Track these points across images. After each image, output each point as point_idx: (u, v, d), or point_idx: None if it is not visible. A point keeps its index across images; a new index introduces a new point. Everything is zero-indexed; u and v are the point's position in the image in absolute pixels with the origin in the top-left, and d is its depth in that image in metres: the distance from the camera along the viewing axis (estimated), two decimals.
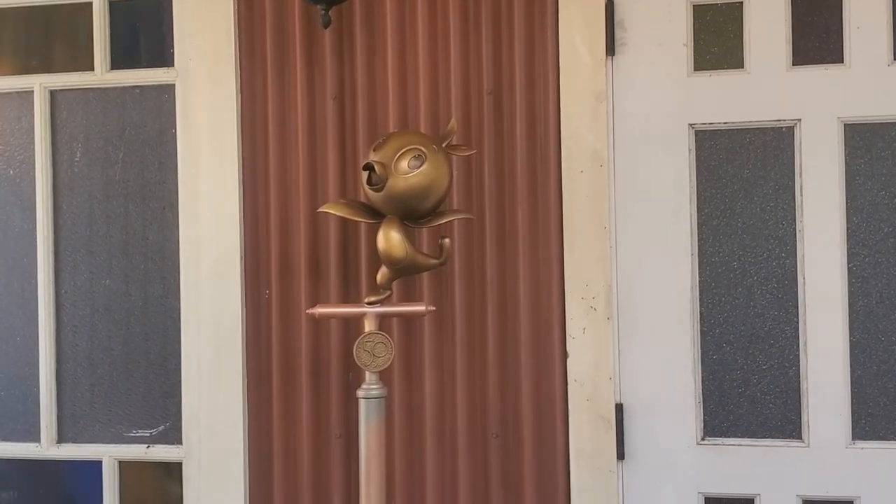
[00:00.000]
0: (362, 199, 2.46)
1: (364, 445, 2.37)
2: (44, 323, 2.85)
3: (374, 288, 2.44)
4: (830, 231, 2.48)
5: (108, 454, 2.84)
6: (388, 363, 2.36)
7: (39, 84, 2.85)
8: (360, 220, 2.39)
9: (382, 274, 2.38)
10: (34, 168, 2.86)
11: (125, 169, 2.83)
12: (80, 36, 2.85)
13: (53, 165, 2.86)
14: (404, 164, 2.27)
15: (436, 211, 2.38)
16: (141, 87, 2.83)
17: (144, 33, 2.84)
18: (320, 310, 2.43)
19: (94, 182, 2.85)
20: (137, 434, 2.83)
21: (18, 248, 2.87)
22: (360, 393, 2.38)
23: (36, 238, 2.85)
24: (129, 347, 2.84)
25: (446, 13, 2.62)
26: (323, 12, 2.46)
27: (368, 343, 2.35)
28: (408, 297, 2.62)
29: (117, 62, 2.84)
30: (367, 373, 2.38)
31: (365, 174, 2.28)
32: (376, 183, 2.27)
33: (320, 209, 2.43)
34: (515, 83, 2.59)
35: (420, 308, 2.42)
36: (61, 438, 2.87)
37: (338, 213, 2.41)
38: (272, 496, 2.70)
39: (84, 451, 2.85)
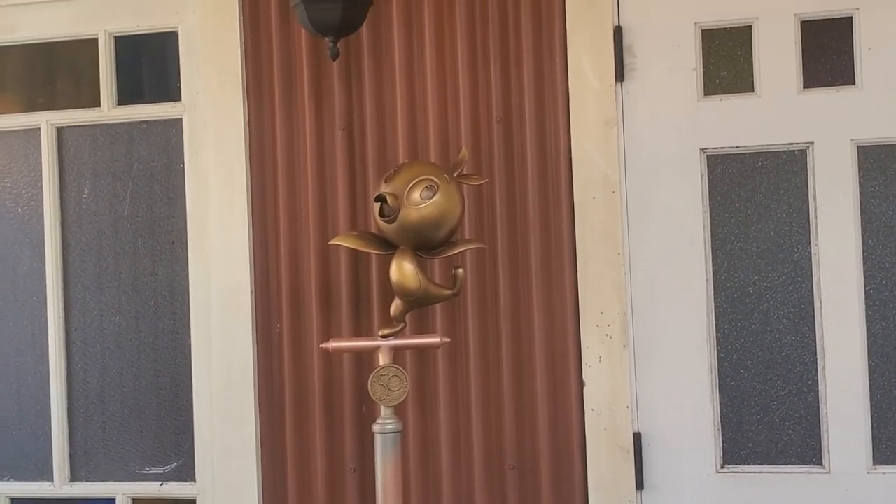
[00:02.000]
0: (373, 231, 2.45)
1: (381, 481, 2.35)
2: (54, 361, 2.83)
3: (386, 320, 2.43)
4: (846, 254, 2.45)
5: (122, 492, 2.81)
6: (404, 397, 2.34)
7: (46, 121, 2.84)
8: (372, 251, 2.38)
9: (396, 306, 2.36)
10: (42, 205, 2.85)
11: (133, 204, 2.82)
12: (86, 72, 2.84)
13: (61, 202, 2.85)
14: (416, 194, 2.26)
15: (448, 241, 2.36)
16: (148, 122, 2.82)
17: (151, 68, 2.84)
18: (334, 344, 2.41)
19: (103, 218, 2.83)
20: (150, 471, 2.81)
21: (28, 285, 2.86)
22: (375, 428, 2.35)
23: (45, 275, 2.84)
24: (141, 384, 2.81)
25: (454, 41, 2.61)
26: (331, 44, 2.45)
27: (383, 377, 2.33)
28: (420, 329, 2.59)
29: (124, 97, 2.83)
30: (382, 407, 2.36)
31: (377, 206, 2.27)
32: (388, 214, 2.25)
33: (332, 241, 2.42)
34: (525, 110, 2.58)
35: (434, 340, 2.40)
36: (74, 477, 2.85)
37: (349, 246, 2.39)
38: None
39: (97, 490, 2.83)
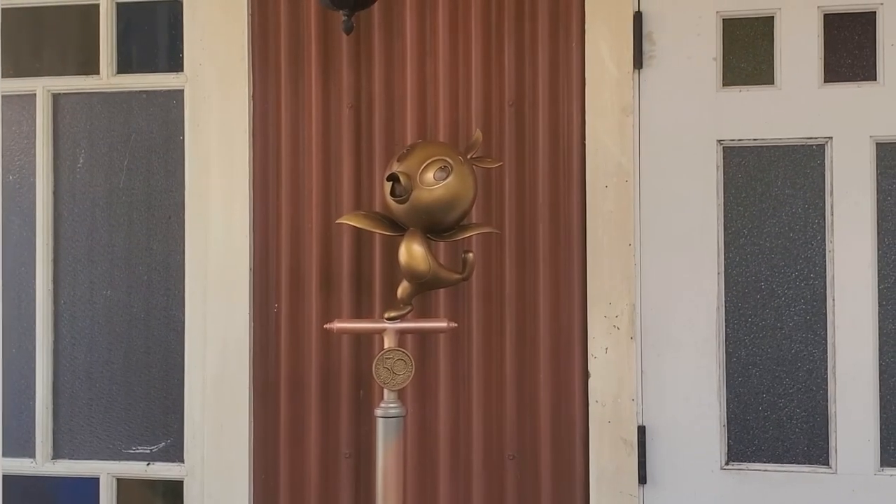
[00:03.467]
0: (380, 211, 2.39)
1: (381, 467, 2.28)
2: (41, 334, 2.76)
3: (387, 303, 2.38)
4: (861, 252, 2.42)
5: (106, 471, 2.74)
6: (408, 381, 2.28)
7: (42, 87, 2.76)
8: (380, 232, 2.31)
9: (403, 288, 2.30)
10: (34, 174, 2.77)
11: (130, 176, 2.74)
12: (86, 39, 2.76)
13: (55, 171, 2.77)
14: (430, 175, 2.20)
15: (459, 224, 2.30)
16: (148, 92, 2.74)
17: (153, 37, 2.76)
18: (339, 325, 2.34)
19: (97, 189, 2.76)
20: (137, 451, 2.74)
21: (16, 256, 2.78)
22: (378, 412, 2.29)
23: (35, 246, 2.76)
24: (130, 361, 2.74)
25: (468, 21, 2.56)
26: (346, 17, 2.37)
27: (388, 360, 2.27)
28: (423, 313, 2.54)
29: (124, 66, 2.76)
30: (385, 391, 2.30)
31: (389, 185, 2.20)
32: (400, 194, 2.19)
33: (339, 220, 2.35)
34: (539, 95, 2.53)
35: (442, 324, 2.34)
36: (57, 454, 2.77)
37: (357, 225, 2.33)
38: None
39: (81, 468, 2.76)
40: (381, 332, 2.31)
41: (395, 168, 2.22)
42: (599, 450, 2.49)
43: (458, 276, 2.31)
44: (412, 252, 2.23)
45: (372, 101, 2.60)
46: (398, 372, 2.28)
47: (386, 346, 2.29)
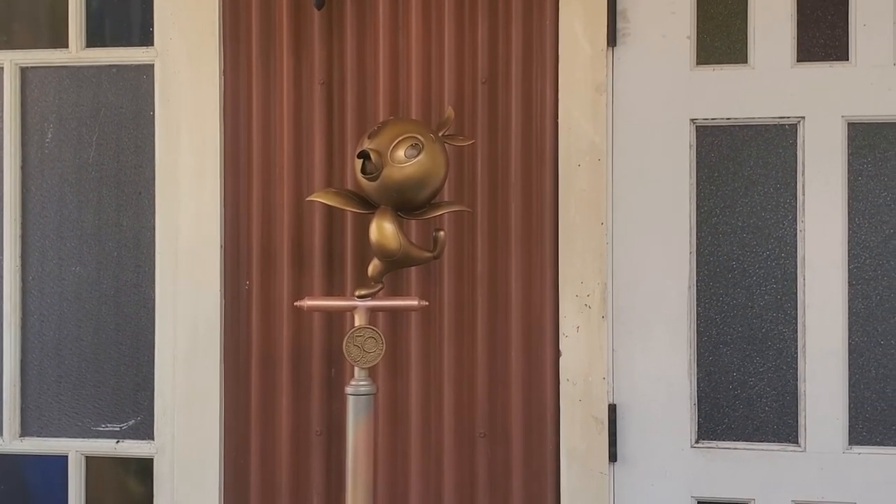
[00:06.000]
0: (351, 188, 2.38)
1: (352, 444, 2.28)
2: (9, 311, 2.74)
3: (359, 281, 2.38)
4: (832, 232, 2.44)
5: (75, 449, 2.73)
6: (379, 359, 2.28)
7: (10, 60, 2.73)
8: (351, 209, 2.30)
9: (374, 266, 2.29)
10: (2, 148, 2.74)
11: (99, 151, 2.72)
12: (55, 11, 2.73)
13: (23, 146, 2.74)
14: (401, 153, 2.18)
15: (430, 202, 2.29)
16: (118, 67, 2.71)
17: (123, 10, 2.72)
18: (309, 302, 2.33)
19: (66, 164, 2.73)
20: (106, 428, 2.72)
21: None
22: (348, 390, 2.28)
23: (2, 221, 2.74)
24: (100, 338, 2.72)
25: None
26: None
27: (359, 338, 2.27)
28: (395, 291, 2.54)
29: (93, 40, 2.72)
30: (355, 369, 2.29)
31: (359, 162, 2.19)
32: (371, 172, 2.18)
33: (310, 198, 2.33)
34: (512, 72, 2.52)
35: (412, 302, 2.33)
36: (25, 432, 2.76)
37: (328, 202, 2.31)
38: (248, 495, 2.61)
39: (49, 446, 2.74)
40: (352, 309, 2.30)
41: (366, 145, 2.21)
42: (570, 428, 2.49)
43: (429, 255, 2.30)
44: (383, 230, 2.22)
45: (344, 77, 2.58)
46: (369, 350, 2.27)
47: (357, 323, 2.29)
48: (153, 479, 2.67)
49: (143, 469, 2.71)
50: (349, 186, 2.48)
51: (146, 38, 2.70)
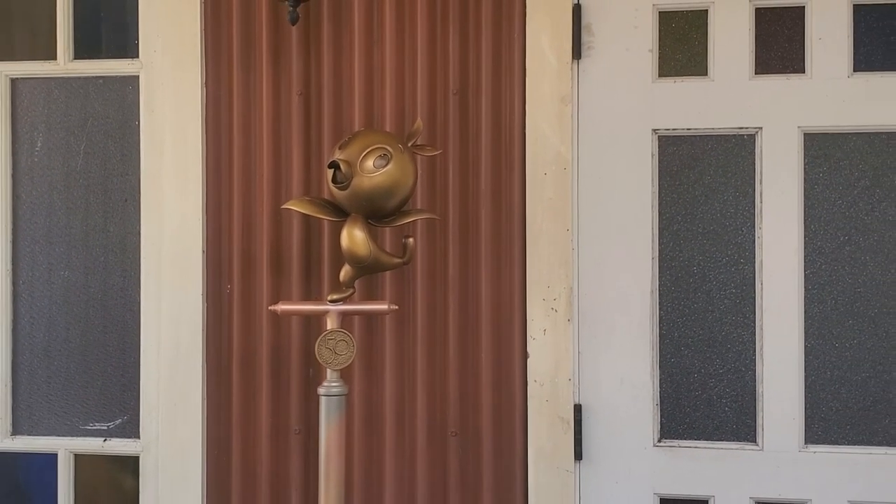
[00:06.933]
0: (327, 197, 2.47)
1: (324, 443, 2.37)
2: (0, 313, 2.82)
3: (336, 286, 2.44)
4: (788, 238, 2.51)
5: (64, 447, 2.81)
6: (350, 361, 2.36)
7: (0, 72, 2.81)
8: (324, 217, 2.38)
9: (345, 272, 2.38)
10: None
11: (87, 160, 2.81)
12: (44, 24, 2.82)
13: (13, 154, 2.83)
14: (370, 163, 2.27)
15: (400, 210, 2.38)
16: (104, 78, 2.80)
17: (109, 23, 2.81)
18: (283, 306, 2.42)
19: (55, 172, 2.82)
20: (94, 427, 2.81)
21: None
22: (321, 391, 2.37)
23: None
24: (88, 340, 2.81)
25: (414, 12, 2.62)
26: (291, 8, 2.46)
27: (330, 341, 2.35)
28: (370, 296, 2.62)
29: (81, 52, 2.81)
30: (328, 370, 2.38)
31: (330, 172, 2.28)
32: (341, 181, 2.27)
33: (285, 206, 2.42)
34: (482, 84, 2.60)
35: (382, 307, 2.41)
36: (16, 430, 2.84)
37: (302, 210, 2.39)
38: (230, 491, 2.70)
39: (39, 444, 2.83)
40: (325, 313, 2.39)
41: (337, 156, 2.29)
42: (538, 427, 2.57)
43: (398, 261, 2.39)
44: (353, 237, 2.31)
45: (321, 88, 2.66)
46: (340, 352, 2.36)
47: (329, 327, 2.37)
48: (139, 476, 2.76)
49: (129, 466, 2.79)
50: (326, 195, 2.56)
51: (131, 51, 2.78)
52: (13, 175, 2.83)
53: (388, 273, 2.60)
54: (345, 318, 2.45)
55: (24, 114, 2.83)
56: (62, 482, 2.82)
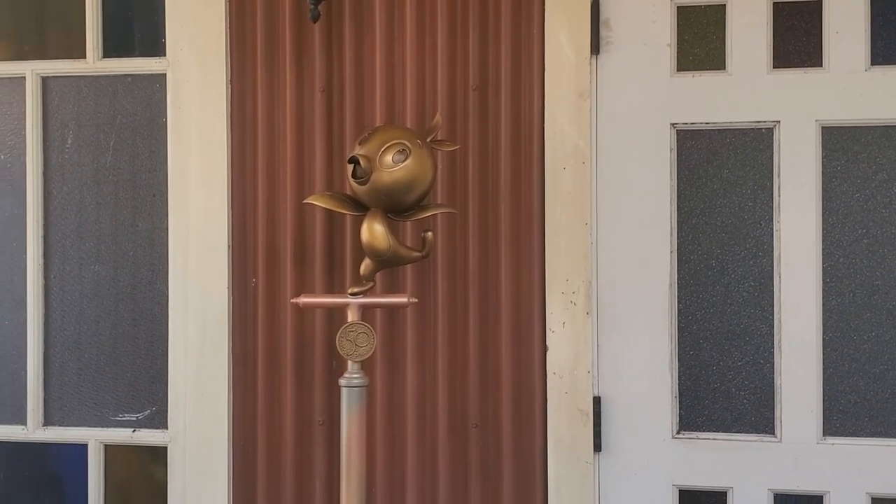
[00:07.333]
0: (348, 192, 2.50)
1: (345, 433, 2.41)
2: (32, 307, 2.88)
3: (358, 279, 2.48)
4: (806, 231, 2.52)
5: (94, 437, 2.87)
6: (370, 353, 2.40)
7: (31, 70, 2.88)
8: (344, 212, 2.43)
9: (366, 265, 2.42)
10: (24, 153, 2.89)
11: (116, 156, 2.86)
12: (73, 23, 2.88)
13: (44, 151, 2.89)
14: (389, 158, 2.31)
15: (419, 205, 2.41)
16: (132, 76, 2.85)
17: (137, 22, 2.86)
18: (304, 299, 2.47)
19: (85, 168, 2.88)
20: (124, 418, 2.87)
21: (8, 232, 2.90)
22: (342, 382, 2.41)
23: (26, 222, 2.89)
24: (117, 332, 2.87)
25: (434, 9, 2.65)
26: (312, 6, 2.50)
27: (351, 333, 2.39)
28: (391, 289, 2.66)
29: (109, 50, 2.87)
30: (349, 362, 2.42)
31: (350, 167, 2.32)
32: (361, 176, 2.30)
33: (306, 200, 2.46)
34: (501, 80, 2.63)
35: (402, 300, 2.45)
36: (48, 421, 2.90)
37: (323, 205, 2.44)
38: (255, 481, 2.75)
39: (70, 434, 2.89)
40: (345, 306, 2.43)
41: (357, 151, 2.33)
42: (557, 419, 2.60)
43: (417, 254, 2.42)
44: (373, 231, 2.35)
45: (343, 85, 2.70)
46: (361, 344, 2.40)
47: (349, 319, 2.41)
48: (167, 466, 2.81)
49: (157, 456, 2.85)
50: (347, 190, 2.59)
51: (159, 49, 2.84)
52: (45, 171, 2.89)
53: (408, 267, 2.63)
54: (366, 310, 2.49)
55: (54, 111, 2.89)
56: (92, 472, 2.87)
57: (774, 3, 2.55)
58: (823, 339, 2.53)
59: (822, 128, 2.52)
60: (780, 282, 2.54)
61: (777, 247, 2.54)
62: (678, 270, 2.60)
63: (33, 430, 2.89)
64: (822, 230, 2.53)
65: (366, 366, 2.46)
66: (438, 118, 2.46)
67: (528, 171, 2.62)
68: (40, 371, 2.89)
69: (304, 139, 2.72)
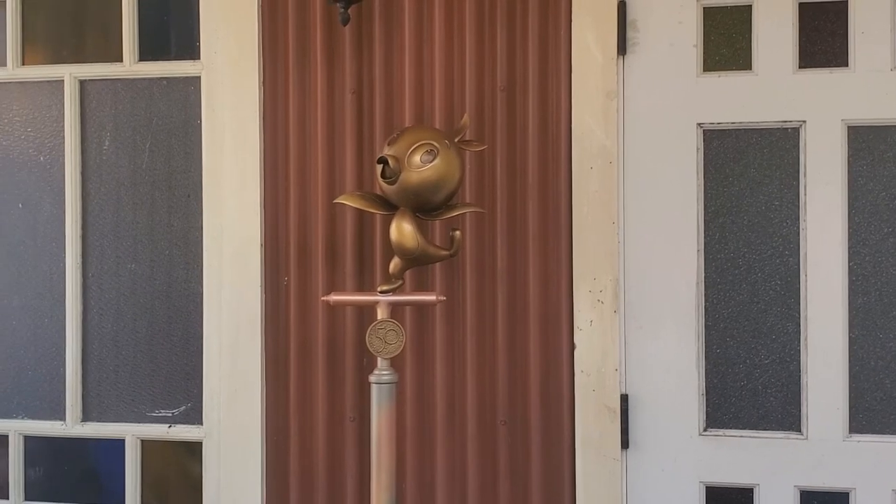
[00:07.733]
0: (377, 192, 2.54)
1: (375, 429, 2.44)
2: (71, 305, 2.95)
3: (387, 277, 2.51)
4: (832, 230, 2.54)
5: (131, 433, 2.93)
6: (400, 350, 2.44)
7: (70, 74, 2.94)
8: (374, 211, 2.47)
9: (395, 264, 2.46)
10: (63, 155, 2.95)
11: (152, 157, 2.92)
12: (110, 27, 2.94)
13: (82, 153, 2.96)
14: (417, 158, 2.34)
15: (447, 204, 2.45)
16: (168, 79, 2.91)
17: (172, 26, 2.92)
18: (335, 297, 2.51)
19: (122, 169, 2.94)
20: (160, 414, 2.92)
21: (47, 231, 2.97)
22: (371, 378, 2.45)
23: (64, 222, 2.95)
24: (153, 330, 2.93)
25: (462, 11, 2.69)
26: (342, 10, 2.54)
27: (380, 330, 2.43)
28: (420, 287, 2.70)
29: (145, 54, 2.92)
30: (378, 359, 2.46)
31: (379, 167, 2.36)
32: (390, 176, 2.34)
33: (336, 200, 2.50)
34: (528, 80, 2.66)
35: (431, 297, 2.49)
36: (86, 417, 2.97)
37: (353, 205, 2.48)
38: (288, 476, 2.79)
39: (108, 430, 2.95)
40: (375, 304, 2.47)
41: (386, 151, 2.37)
42: (585, 416, 2.63)
43: (445, 253, 2.46)
44: (402, 230, 2.39)
45: (373, 87, 2.74)
46: (390, 341, 2.43)
47: (379, 317, 2.45)
48: (202, 461, 2.86)
49: (192, 451, 2.90)
50: (376, 190, 2.62)
51: (193, 53, 2.89)
52: (83, 173, 2.95)
53: (437, 265, 2.67)
54: (395, 308, 2.52)
55: (92, 114, 2.95)
56: (129, 467, 2.93)
57: (800, 4, 2.56)
58: (849, 337, 2.54)
59: (849, 127, 2.53)
60: (806, 280, 2.55)
61: (803, 245, 2.56)
62: (705, 269, 2.61)
63: (72, 425, 2.96)
64: (849, 229, 2.54)
65: (395, 363, 2.50)
66: (466, 118, 2.50)
67: (555, 171, 2.64)
68: (79, 368, 2.95)
69: (334, 140, 2.76)
